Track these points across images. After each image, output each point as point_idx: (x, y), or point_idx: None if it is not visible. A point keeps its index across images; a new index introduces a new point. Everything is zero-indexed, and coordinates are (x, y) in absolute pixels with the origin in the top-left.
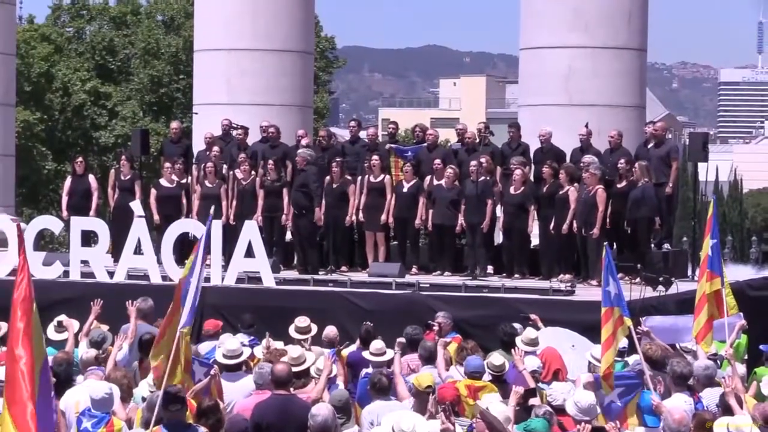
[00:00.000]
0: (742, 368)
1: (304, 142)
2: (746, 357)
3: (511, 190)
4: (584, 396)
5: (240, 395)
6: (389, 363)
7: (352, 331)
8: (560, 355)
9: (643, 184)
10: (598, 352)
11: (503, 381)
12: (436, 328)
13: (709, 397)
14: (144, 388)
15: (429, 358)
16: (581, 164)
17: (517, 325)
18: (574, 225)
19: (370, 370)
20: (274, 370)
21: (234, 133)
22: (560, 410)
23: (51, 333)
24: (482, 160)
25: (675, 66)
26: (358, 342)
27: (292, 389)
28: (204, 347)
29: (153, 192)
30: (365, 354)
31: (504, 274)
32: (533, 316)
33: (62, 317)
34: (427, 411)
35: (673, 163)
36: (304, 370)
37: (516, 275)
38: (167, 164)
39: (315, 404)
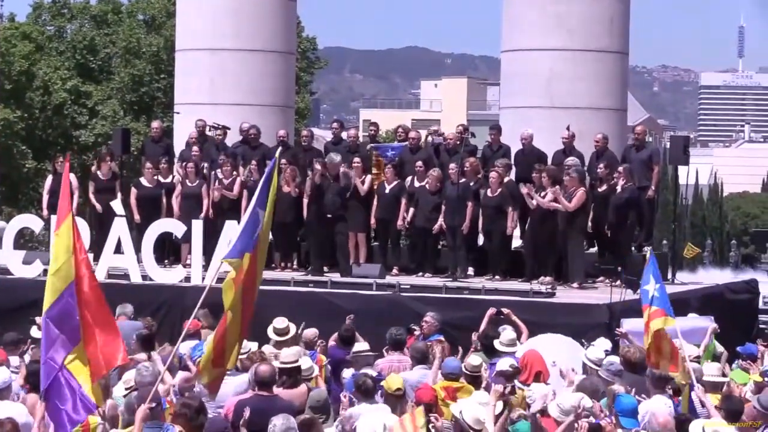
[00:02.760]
0: (713, 366)
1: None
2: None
3: (488, 192)
4: (567, 398)
5: (232, 392)
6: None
7: (332, 332)
8: (542, 358)
9: (626, 187)
10: (593, 353)
11: (480, 382)
12: (417, 332)
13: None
14: (121, 388)
15: (420, 359)
16: (564, 166)
17: (507, 326)
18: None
19: (351, 369)
20: (257, 370)
21: (213, 133)
22: (542, 411)
23: (34, 332)
24: (467, 162)
25: (656, 69)
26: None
27: (282, 388)
28: (185, 346)
29: (133, 191)
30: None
31: (486, 276)
32: (506, 311)
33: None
34: (398, 413)
35: (655, 166)
36: (296, 368)
37: (496, 277)
38: (148, 164)
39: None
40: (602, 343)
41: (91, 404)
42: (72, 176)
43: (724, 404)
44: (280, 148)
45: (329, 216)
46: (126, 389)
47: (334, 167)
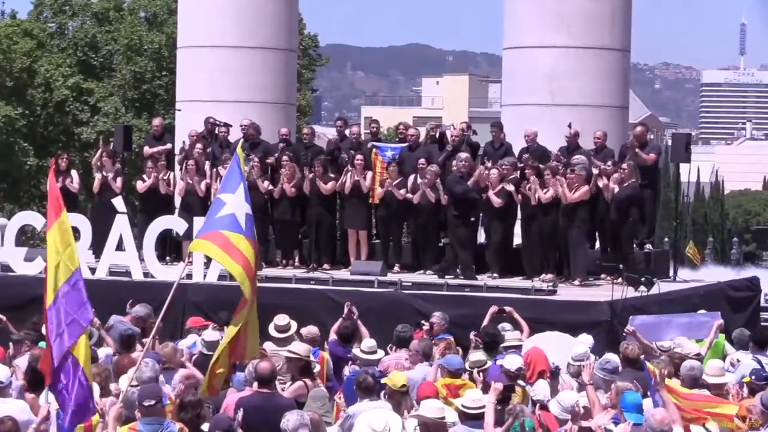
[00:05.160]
0: (715, 366)
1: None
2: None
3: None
4: (567, 396)
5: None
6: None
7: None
8: (546, 356)
9: (629, 184)
10: (578, 350)
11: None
12: (426, 327)
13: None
14: (124, 384)
15: (424, 356)
16: (571, 163)
17: (506, 325)
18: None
19: (351, 366)
20: (257, 367)
21: (217, 130)
22: (543, 407)
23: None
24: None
25: (657, 67)
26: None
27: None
28: (187, 341)
29: (136, 187)
30: (356, 351)
31: (487, 274)
32: (508, 309)
33: None
34: (402, 411)
35: (651, 153)
36: (308, 363)
37: (495, 274)
38: (149, 162)
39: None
40: (584, 339)
41: (89, 384)
42: (74, 173)
43: None
44: (240, 140)
45: (456, 214)
46: (130, 386)
47: (467, 163)
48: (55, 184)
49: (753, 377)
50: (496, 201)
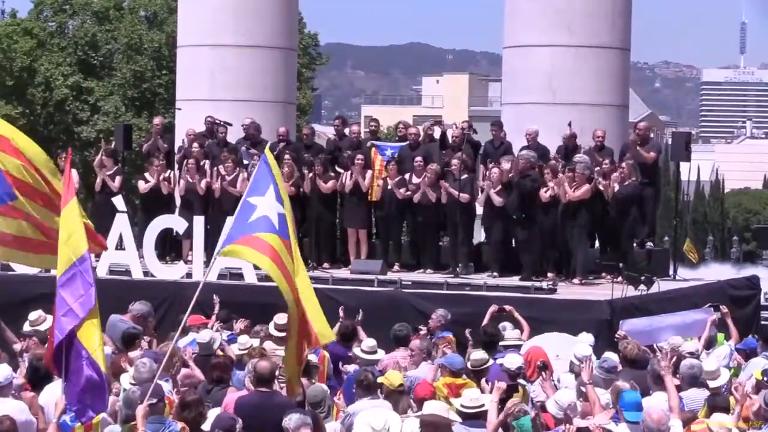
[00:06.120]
0: (712, 364)
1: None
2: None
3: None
4: (565, 395)
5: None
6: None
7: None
8: (546, 355)
9: (629, 182)
10: (581, 350)
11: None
12: (423, 332)
13: (693, 397)
14: (125, 381)
15: (428, 354)
16: (573, 161)
17: (507, 325)
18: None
19: (351, 366)
20: (256, 367)
21: (216, 129)
22: (544, 408)
23: (27, 328)
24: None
25: (657, 65)
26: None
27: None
28: (186, 339)
29: (138, 186)
30: (356, 350)
31: (487, 272)
32: (508, 308)
33: (38, 312)
34: (399, 410)
35: (651, 152)
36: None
37: (494, 273)
38: (155, 161)
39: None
40: (584, 338)
41: (98, 369)
42: (74, 172)
43: (709, 400)
44: (269, 143)
45: (514, 217)
46: (131, 383)
47: (526, 162)
48: (69, 170)
49: (765, 378)
50: (497, 200)
